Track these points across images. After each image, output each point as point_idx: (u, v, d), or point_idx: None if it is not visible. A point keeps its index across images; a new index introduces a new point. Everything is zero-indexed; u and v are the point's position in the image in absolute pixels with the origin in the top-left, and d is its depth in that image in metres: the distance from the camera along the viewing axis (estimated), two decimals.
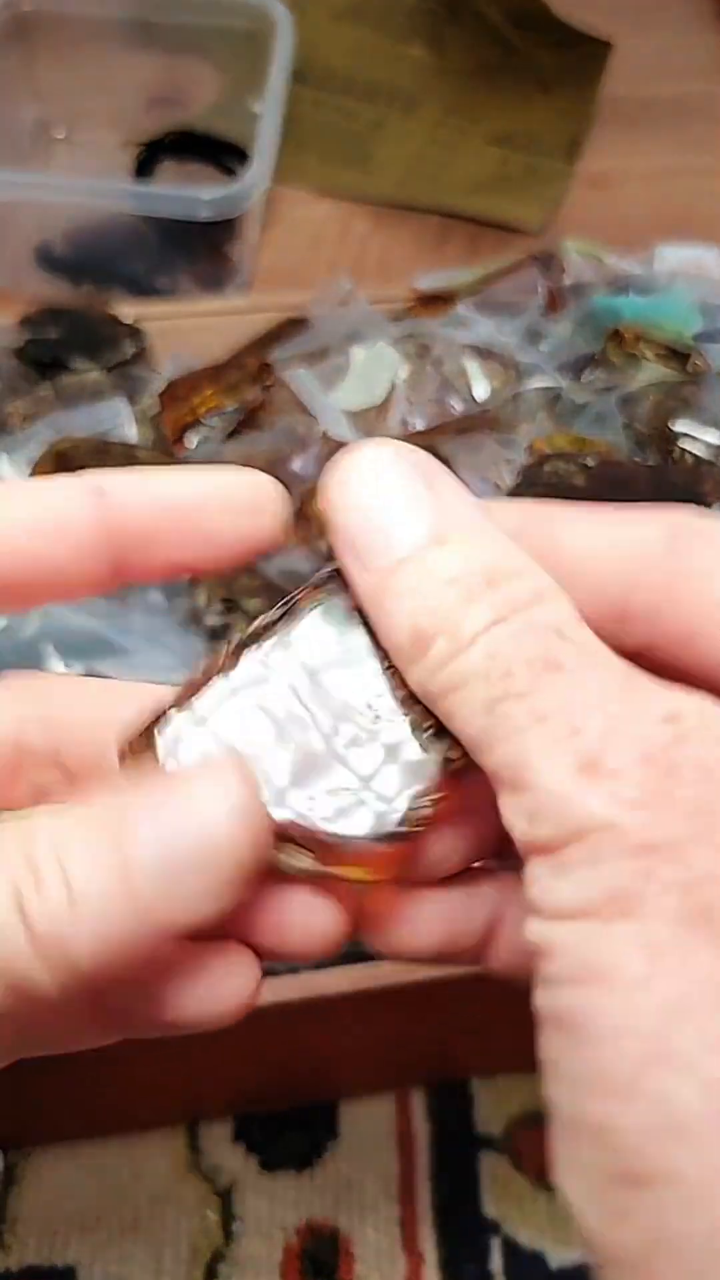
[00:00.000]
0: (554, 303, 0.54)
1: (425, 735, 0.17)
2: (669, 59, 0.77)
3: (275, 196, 0.68)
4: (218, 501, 0.18)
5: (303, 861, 0.17)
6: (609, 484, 0.43)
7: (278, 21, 0.64)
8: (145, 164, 0.70)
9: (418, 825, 0.17)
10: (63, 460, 0.46)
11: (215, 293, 0.64)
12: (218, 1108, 0.41)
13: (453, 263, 0.62)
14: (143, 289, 0.64)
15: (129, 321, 0.55)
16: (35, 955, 0.14)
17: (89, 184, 0.61)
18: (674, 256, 0.55)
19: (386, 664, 0.17)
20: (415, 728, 0.17)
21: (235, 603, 0.40)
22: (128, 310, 0.55)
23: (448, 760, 0.17)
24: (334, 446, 0.47)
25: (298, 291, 0.56)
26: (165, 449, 0.49)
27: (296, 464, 0.46)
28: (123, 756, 0.17)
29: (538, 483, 0.43)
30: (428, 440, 0.46)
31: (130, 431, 0.50)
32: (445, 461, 0.50)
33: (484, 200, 0.69)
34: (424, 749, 0.17)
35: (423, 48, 0.78)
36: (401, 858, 0.17)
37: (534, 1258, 0.38)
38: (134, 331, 0.54)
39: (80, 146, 0.72)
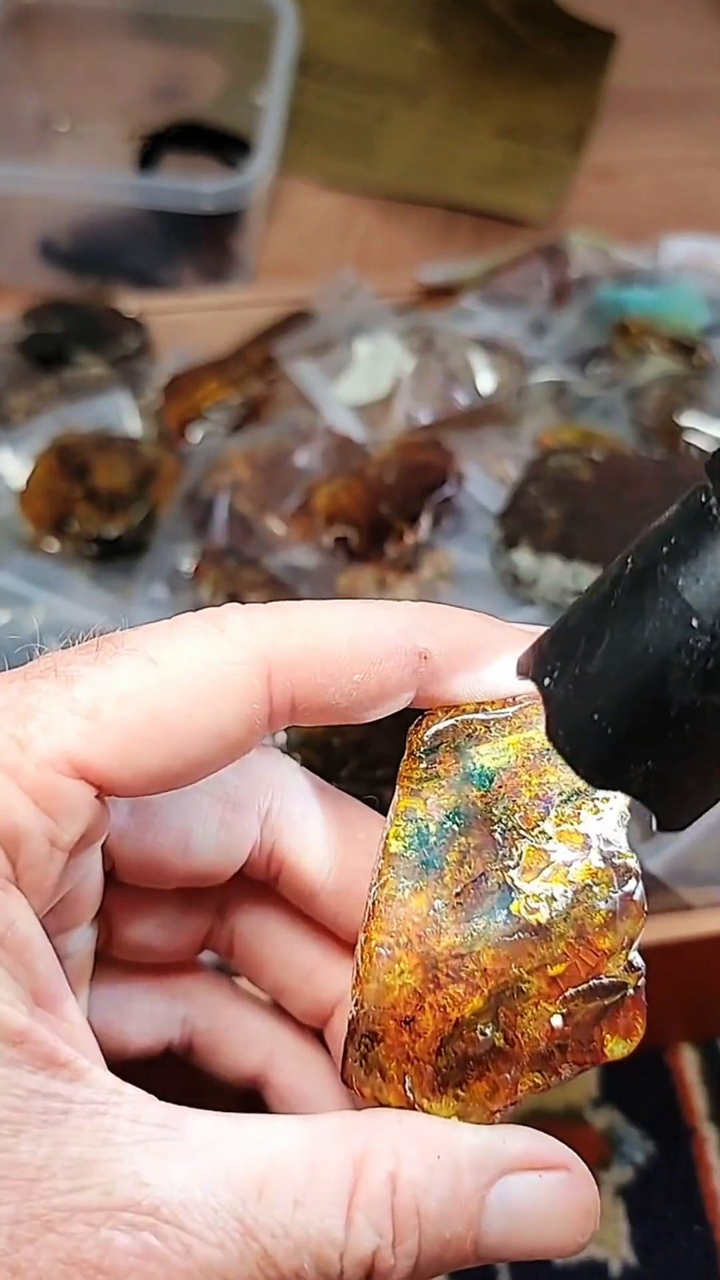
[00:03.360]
0: (560, 295, 0.53)
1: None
2: (675, 50, 0.77)
3: (279, 189, 0.68)
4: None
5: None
6: (615, 478, 0.42)
7: (281, 13, 0.64)
8: (148, 157, 0.70)
9: None
10: (65, 454, 0.46)
11: (218, 286, 0.63)
12: (226, 1103, 0.41)
13: (458, 255, 0.62)
14: (146, 282, 0.64)
15: (132, 315, 0.55)
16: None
17: (92, 177, 0.61)
18: (680, 249, 0.55)
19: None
20: None
21: (239, 597, 0.40)
22: (131, 304, 0.55)
23: None
24: (338, 440, 0.46)
25: (302, 284, 0.56)
26: (168, 443, 0.48)
27: (301, 458, 0.46)
28: (347, 1081, 0.18)
29: (543, 477, 0.43)
30: (432, 434, 0.46)
31: (133, 425, 0.50)
32: (450, 455, 0.50)
33: (489, 192, 0.69)
34: None
35: (428, 40, 0.78)
36: None
37: None
38: (137, 325, 0.54)
39: (83, 139, 0.71)
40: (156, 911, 0.20)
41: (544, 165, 0.71)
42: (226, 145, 0.69)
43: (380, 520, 0.42)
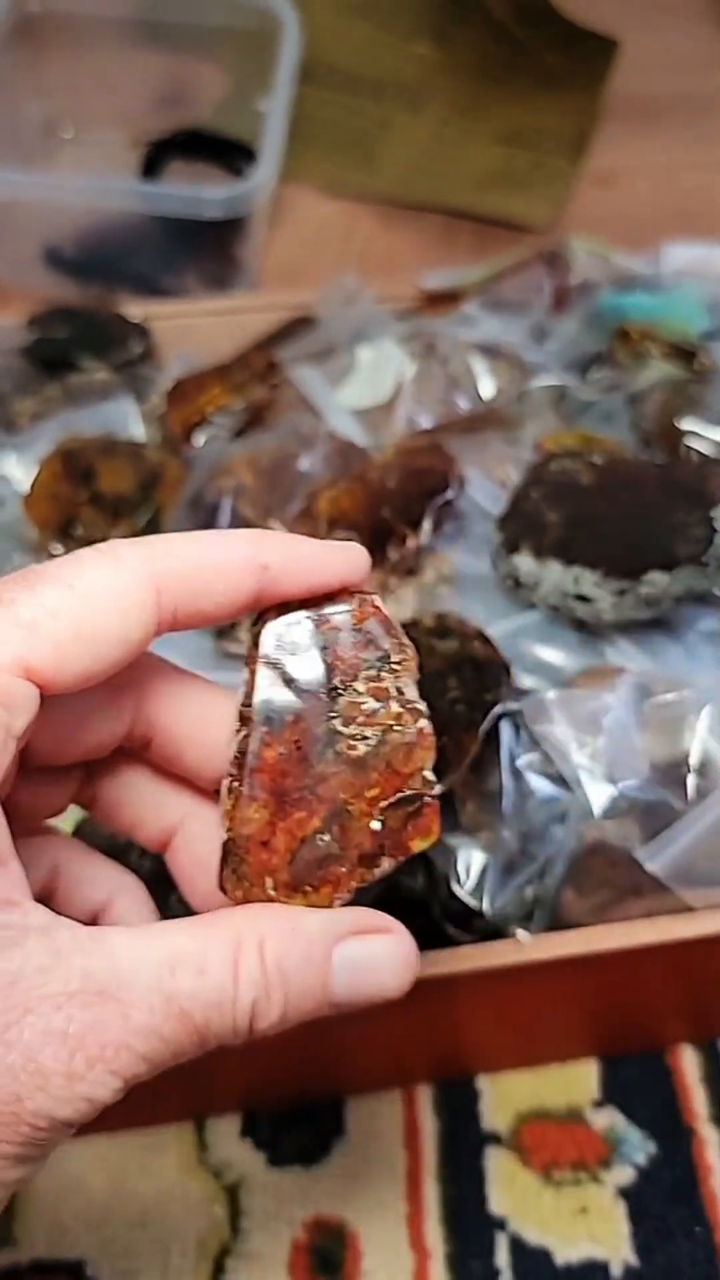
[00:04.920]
0: (560, 301, 0.54)
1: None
2: (676, 56, 0.77)
3: (282, 195, 0.68)
4: (336, 575, 0.24)
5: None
6: (616, 482, 0.43)
7: (284, 20, 0.65)
8: (152, 163, 0.70)
9: None
10: (69, 458, 0.46)
11: (222, 292, 0.64)
12: (226, 1103, 0.41)
13: (459, 261, 0.62)
14: (150, 288, 0.64)
15: (136, 321, 0.55)
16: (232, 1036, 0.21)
17: (96, 184, 0.61)
18: (681, 254, 0.55)
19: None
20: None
21: None
22: (135, 309, 0.56)
23: None
24: (340, 445, 0.47)
25: (304, 290, 0.56)
26: (172, 448, 0.49)
27: (303, 463, 0.46)
28: (223, 889, 0.23)
29: (544, 481, 0.43)
30: (434, 439, 0.46)
31: (137, 430, 0.50)
32: (451, 459, 0.50)
33: (490, 198, 0.69)
34: None
35: (429, 46, 0.78)
36: None
37: (540, 1253, 0.38)
38: (141, 331, 0.54)
39: (87, 146, 0.72)
40: (40, 781, 0.25)
41: (545, 171, 0.71)
42: (230, 152, 0.70)
43: (382, 524, 0.42)
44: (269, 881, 0.23)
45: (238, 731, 0.23)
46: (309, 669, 0.23)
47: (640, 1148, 0.40)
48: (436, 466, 0.44)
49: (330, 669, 0.24)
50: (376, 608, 0.24)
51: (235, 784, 0.23)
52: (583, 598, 0.39)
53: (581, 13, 0.74)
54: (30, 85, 0.69)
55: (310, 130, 0.73)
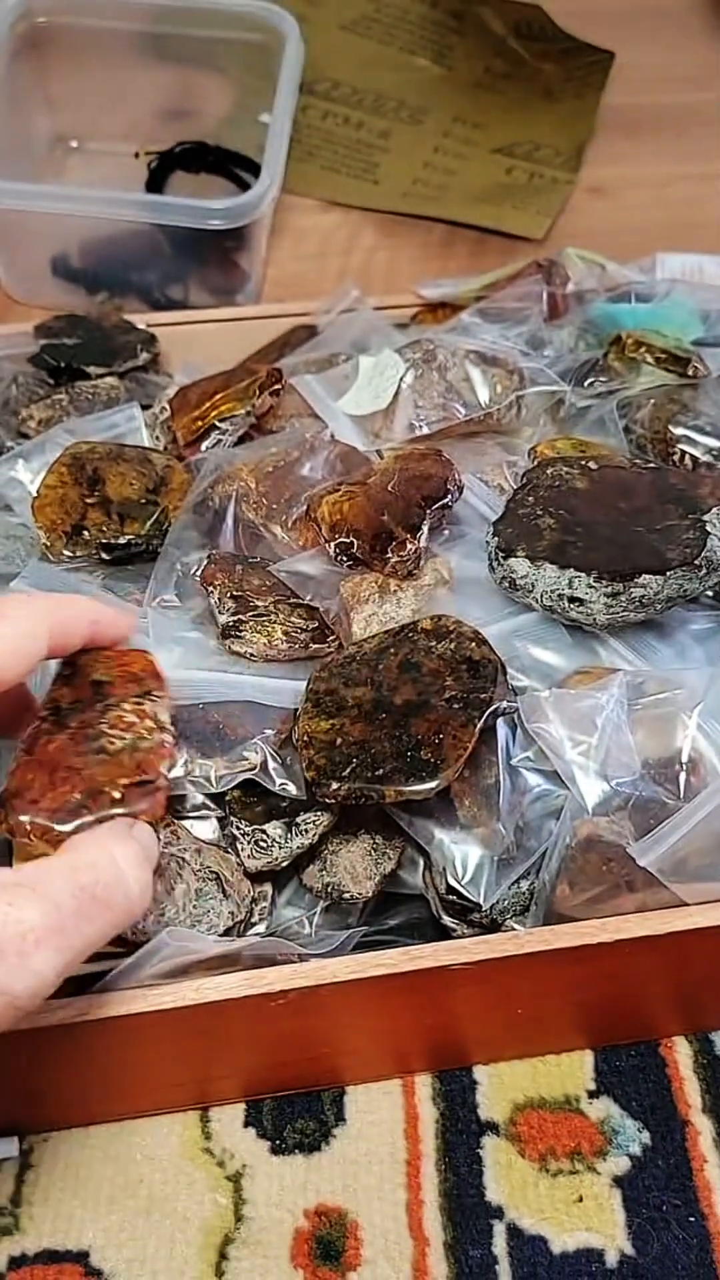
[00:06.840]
0: (556, 310, 0.54)
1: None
2: (670, 69, 0.78)
3: (284, 206, 0.69)
4: (125, 631, 0.36)
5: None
6: (610, 487, 0.43)
7: (287, 34, 0.65)
8: (158, 175, 0.71)
9: None
10: (77, 464, 0.47)
11: (226, 301, 0.65)
12: (228, 1093, 0.42)
13: (457, 271, 0.63)
14: (156, 298, 0.65)
15: (142, 329, 0.56)
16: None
17: (103, 195, 0.62)
18: (674, 264, 0.56)
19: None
20: None
21: (246, 602, 0.41)
22: (141, 318, 0.57)
23: None
24: (342, 451, 0.47)
25: (306, 300, 0.57)
26: (177, 453, 0.50)
27: (305, 468, 0.47)
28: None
29: (540, 486, 0.44)
30: (432, 444, 0.47)
31: (143, 436, 0.51)
32: (449, 464, 0.51)
33: (488, 209, 0.70)
34: None
35: (429, 59, 0.79)
36: None
37: (536, 1241, 0.39)
38: (147, 339, 0.55)
39: (94, 158, 0.73)
40: None
41: (542, 181, 0.72)
42: (233, 164, 0.71)
43: (382, 528, 0.43)
44: (30, 814, 0.31)
45: (36, 721, 0.33)
46: (94, 692, 0.34)
47: (635, 1138, 0.41)
48: (435, 472, 0.45)
49: (108, 693, 0.34)
50: (149, 660, 0.35)
51: (23, 755, 0.32)
52: (577, 600, 0.40)
53: (578, 27, 0.75)
54: (38, 98, 0.70)
55: (312, 143, 0.74)
